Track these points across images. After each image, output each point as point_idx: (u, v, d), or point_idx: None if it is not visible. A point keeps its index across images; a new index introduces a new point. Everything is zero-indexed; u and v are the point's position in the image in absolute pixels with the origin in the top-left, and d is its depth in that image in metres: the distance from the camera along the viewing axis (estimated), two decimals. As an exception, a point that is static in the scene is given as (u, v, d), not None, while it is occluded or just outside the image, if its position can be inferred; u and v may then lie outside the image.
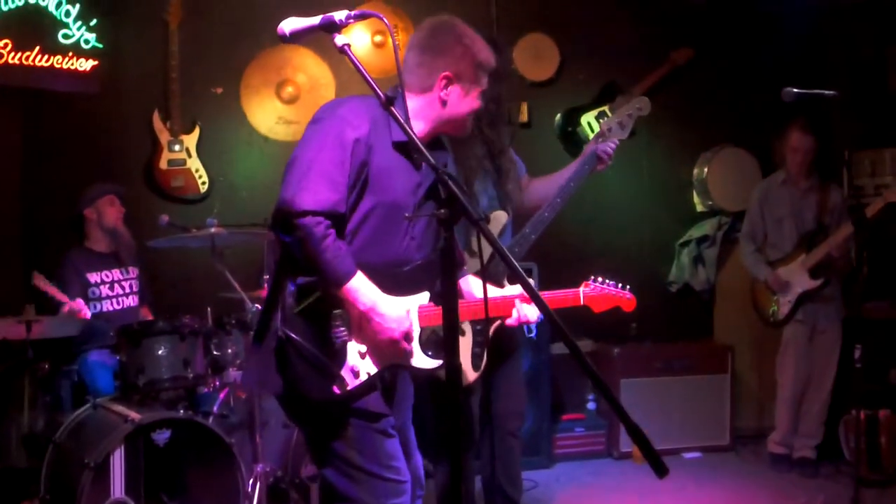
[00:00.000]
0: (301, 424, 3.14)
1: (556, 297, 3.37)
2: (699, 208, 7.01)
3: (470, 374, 3.81)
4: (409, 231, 2.94)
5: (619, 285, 3.50)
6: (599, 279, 3.45)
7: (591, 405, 6.35)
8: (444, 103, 2.95)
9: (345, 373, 2.79)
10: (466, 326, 3.78)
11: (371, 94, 2.40)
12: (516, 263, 2.05)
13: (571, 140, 6.66)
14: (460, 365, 2.18)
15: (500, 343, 3.97)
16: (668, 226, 6.97)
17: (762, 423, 6.39)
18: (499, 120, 4.02)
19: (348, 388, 2.80)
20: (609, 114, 6.66)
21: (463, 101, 2.97)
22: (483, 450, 4.35)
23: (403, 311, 2.85)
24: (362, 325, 2.81)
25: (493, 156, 3.99)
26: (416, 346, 2.92)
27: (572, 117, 6.68)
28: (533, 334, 5.84)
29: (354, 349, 2.83)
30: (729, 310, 6.75)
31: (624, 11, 6.83)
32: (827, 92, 4.61)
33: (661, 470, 1.96)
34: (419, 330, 2.93)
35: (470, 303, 3.13)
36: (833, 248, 5.55)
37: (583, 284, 3.42)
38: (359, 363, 2.82)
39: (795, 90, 4.43)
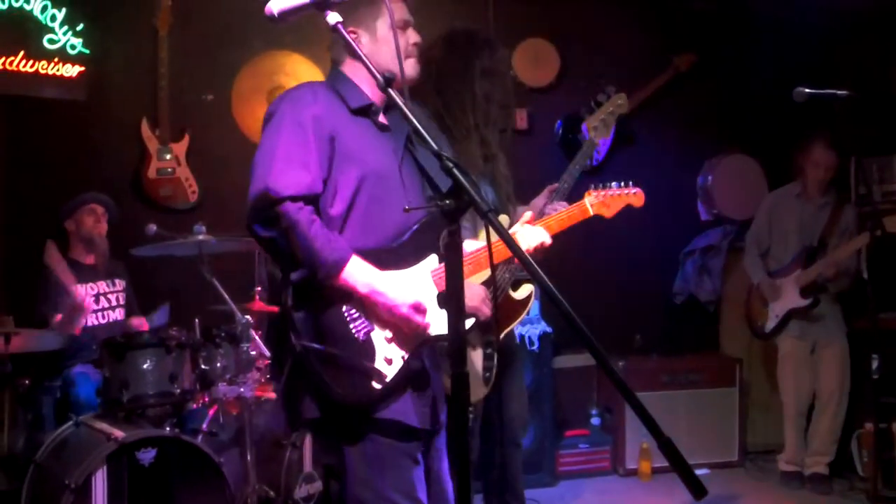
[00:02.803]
0: (336, 447, 2.80)
1: (565, 216, 3.22)
2: (704, 217, 6.85)
3: (481, 389, 3.64)
4: (406, 195, 2.77)
5: (622, 184, 3.35)
6: (601, 185, 3.32)
7: (595, 420, 6.17)
8: (339, 32, 2.76)
9: (379, 364, 2.59)
10: (476, 339, 3.60)
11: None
12: (528, 256, 1.86)
13: (572, 147, 6.49)
14: (468, 373, 1.98)
15: (499, 351, 3.80)
16: (672, 235, 6.79)
17: (772, 438, 6.20)
18: (490, 120, 3.83)
19: (387, 379, 2.59)
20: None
21: (376, 43, 2.79)
22: (486, 462, 4.18)
23: (406, 284, 2.64)
24: (372, 309, 2.62)
25: (486, 158, 3.80)
26: (436, 313, 2.70)
27: (573, 124, 6.52)
28: (535, 347, 5.67)
29: (380, 337, 2.62)
30: (735, 321, 6.55)
31: (625, 16, 6.69)
32: (839, 92, 4.48)
33: (698, 490, 1.73)
34: (436, 295, 2.71)
35: (471, 254, 2.90)
36: (827, 268, 5.41)
37: (586, 194, 3.29)
38: (389, 350, 2.62)
39: (807, 90, 4.31)
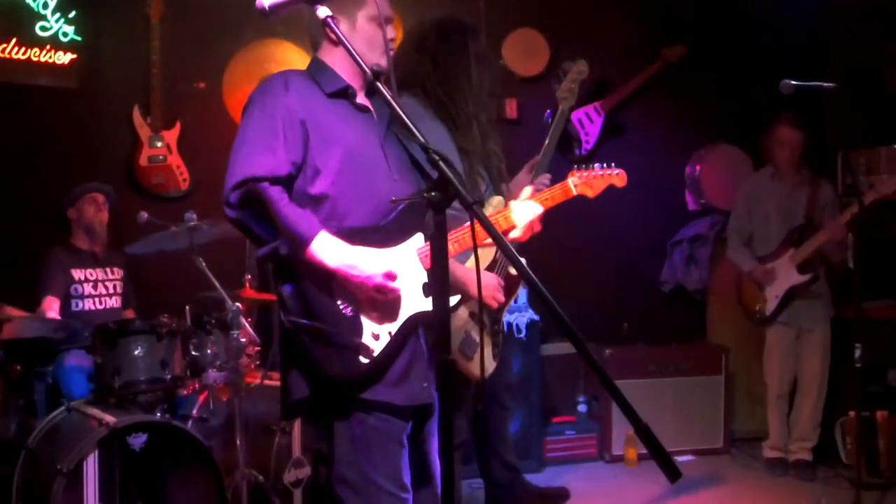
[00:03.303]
0: (325, 428, 2.87)
1: (548, 196, 3.25)
2: (691, 207, 6.90)
3: (492, 364, 3.75)
4: (391, 173, 2.84)
5: (604, 165, 3.39)
6: (583, 166, 3.35)
7: (581, 408, 6.23)
8: (336, 44, 2.84)
9: (366, 339, 2.65)
10: (488, 319, 3.70)
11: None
12: (512, 248, 1.91)
13: (562, 135, 6.51)
14: (453, 360, 2.03)
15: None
16: (660, 225, 6.84)
17: (757, 426, 6.24)
18: (484, 104, 3.86)
19: (374, 353, 2.66)
20: (599, 111, 6.58)
21: (353, 32, 2.85)
22: (476, 431, 4.28)
23: (376, 256, 2.69)
24: (347, 287, 2.67)
25: (483, 140, 3.85)
26: (420, 291, 2.77)
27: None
28: (522, 335, 5.72)
29: (368, 312, 2.69)
30: (722, 310, 6.62)
31: (615, 7, 6.73)
32: (826, 84, 4.55)
33: (673, 473, 1.79)
34: (424, 274, 2.76)
35: (457, 232, 2.93)
36: (825, 242, 5.45)
37: (569, 175, 3.31)
38: (376, 326, 2.69)
39: (794, 82, 4.38)
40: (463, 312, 3.62)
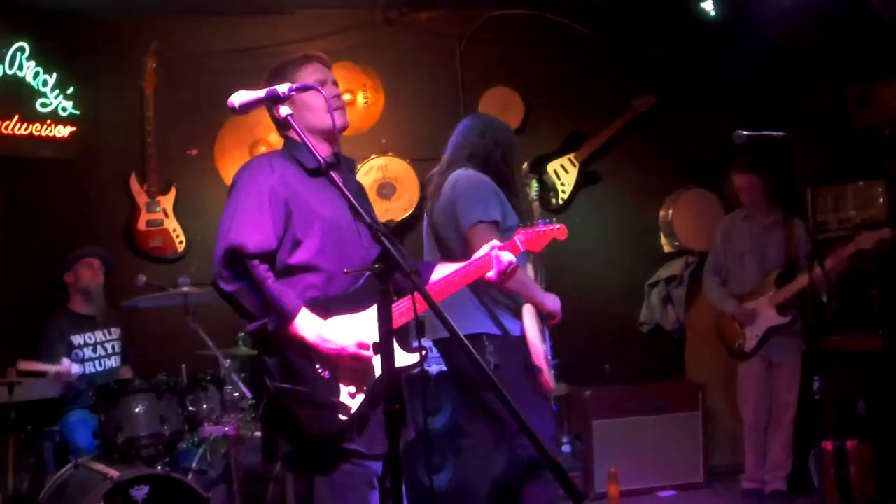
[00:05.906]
0: (306, 475, 3.09)
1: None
2: (666, 249, 7.14)
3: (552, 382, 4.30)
4: (362, 241, 3.07)
5: (547, 221, 3.72)
6: (529, 223, 3.71)
7: (566, 448, 6.40)
8: (289, 124, 2.89)
9: (344, 399, 2.90)
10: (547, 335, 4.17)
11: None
12: (443, 312, 2.22)
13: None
14: (403, 409, 2.32)
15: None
16: (637, 268, 7.08)
17: (735, 459, 6.41)
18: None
19: (352, 411, 2.90)
20: (574, 162, 6.87)
21: (297, 109, 3.02)
22: None
23: (349, 328, 2.93)
24: (323, 357, 2.90)
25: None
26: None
27: (539, 166, 6.86)
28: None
29: (344, 373, 2.93)
30: (699, 348, 6.84)
31: (585, 62, 7.02)
32: (776, 133, 4.76)
33: (576, 497, 2.07)
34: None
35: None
36: (807, 286, 5.63)
37: (515, 234, 3.59)
38: (353, 385, 2.93)
39: (745, 133, 4.53)
40: (533, 323, 4.26)
